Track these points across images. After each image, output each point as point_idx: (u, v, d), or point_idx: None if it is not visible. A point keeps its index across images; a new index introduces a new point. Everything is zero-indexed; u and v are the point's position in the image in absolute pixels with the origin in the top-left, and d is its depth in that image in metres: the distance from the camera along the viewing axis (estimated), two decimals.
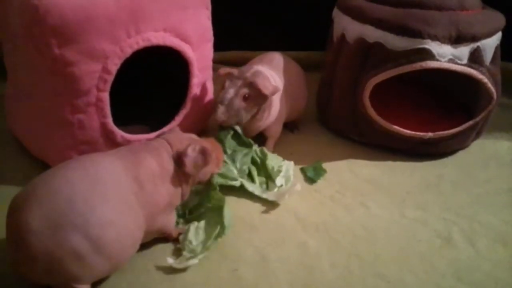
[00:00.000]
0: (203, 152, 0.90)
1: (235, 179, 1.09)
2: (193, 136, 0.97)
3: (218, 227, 0.93)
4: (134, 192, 0.81)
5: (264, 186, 1.12)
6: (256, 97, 1.11)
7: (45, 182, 0.77)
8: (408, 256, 0.95)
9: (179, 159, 0.88)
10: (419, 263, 0.93)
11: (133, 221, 0.80)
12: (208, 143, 0.97)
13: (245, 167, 1.12)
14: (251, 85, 1.09)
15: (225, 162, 1.09)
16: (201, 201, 1.01)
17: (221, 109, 1.08)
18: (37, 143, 1.11)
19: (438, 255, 0.95)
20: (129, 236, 0.79)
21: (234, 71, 1.13)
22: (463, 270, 0.92)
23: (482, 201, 1.12)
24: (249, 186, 1.09)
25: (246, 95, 1.10)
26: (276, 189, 1.10)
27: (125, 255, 0.80)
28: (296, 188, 1.08)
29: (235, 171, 1.10)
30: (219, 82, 1.17)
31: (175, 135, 0.93)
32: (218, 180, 1.04)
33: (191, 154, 0.88)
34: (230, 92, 1.09)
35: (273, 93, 1.12)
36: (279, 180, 1.11)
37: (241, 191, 1.09)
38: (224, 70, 1.14)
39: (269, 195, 1.08)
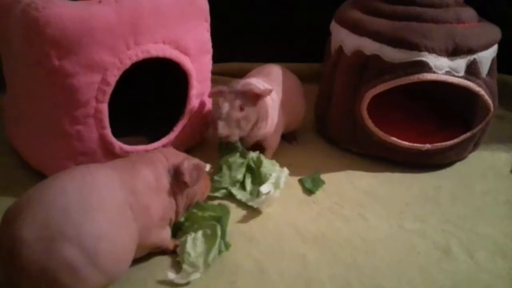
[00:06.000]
0: (197, 167, 0.92)
1: (224, 189, 1.12)
2: (186, 155, 0.98)
3: (218, 241, 0.92)
4: (129, 203, 0.81)
5: (255, 193, 1.12)
6: (252, 105, 1.11)
7: (40, 193, 0.76)
8: (407, 268, 0.95)
9: (177, 171, 0.89)
10: (418, 275, 0.93)
11: (127, 233, 0.80)
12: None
13: (240, 176, 1.13)
14: (244, 94, 1.10)
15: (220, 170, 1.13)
16: (194, 209, 1.00)
17: (221, 124, 1.08)
18: (35, 154, 1.11)
19: (437, 267, 0.95)
20: (123, 248, 0.79)
21: (224, 87, 1.14)
22: (462, 282, 0.92)
23: (481, 212, 1.12)
24: (238, 194, 1.11)
25: (242, 106, 1.10)
26: (263, 197, 1.09)
27: (119, 268, 0.79)
28: (274, 195, 1.08)
29: (228, 180, 1.12)
30: (214, 101, 1.18)
31: (170, 149, 0.95)
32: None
33: (188, 167, 0.90)
34: (226, 106, 1.10)
35: (267, 93, 1.12)
36: (265, 187, 1.11)
37: (232, 199, 1.10)
38: (214, 88, 1.15)
39: (253, 203, 1.08)
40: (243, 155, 1.16)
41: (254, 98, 1.11)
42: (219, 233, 0.93)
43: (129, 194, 0.81)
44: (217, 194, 1.11)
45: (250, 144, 1.20)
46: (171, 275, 0.87)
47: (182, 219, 0.98)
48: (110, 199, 0.78)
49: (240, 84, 1.13)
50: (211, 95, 1.17)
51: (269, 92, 1.13)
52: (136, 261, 0.88)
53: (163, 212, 0.88)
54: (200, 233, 0.95)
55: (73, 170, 0.82)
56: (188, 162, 0.90)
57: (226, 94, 1.12)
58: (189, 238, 0.94)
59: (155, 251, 0.92)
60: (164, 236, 0.91)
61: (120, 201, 0.80)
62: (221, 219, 0.96)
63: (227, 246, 0.93)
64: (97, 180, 0.79)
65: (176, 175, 0.89)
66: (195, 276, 0.87)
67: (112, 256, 0.76)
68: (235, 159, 1.15)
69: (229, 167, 1.13)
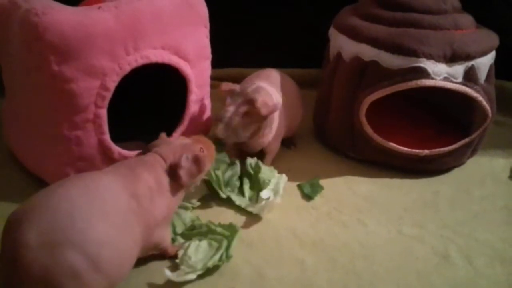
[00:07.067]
0: (197, 161, 0.92)
1: (220, 192, 1.11)
2: (183, 140, 0.98)
3: (222, 252, 0.93)
4: (132, 209, 0.82)
5: (254, 199, 1.12)
6: (256, 114, 1.11)
7: (44, 198, 0.76)
8: (405, 273, 0.95)
9: (174, 172, 0.89)
10: (416, 281, 0.93)
11: (130, 239, 0.80)
12: (200, 143, 0.98)
13: (235, 180, 1.14)
14: (251, 102, 1.10)
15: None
16: (199, 221, 1.02)
17: (220, 127, 1.10)
18: (34, 159, 1.11)
19: (435, 273, 0.95)
20: (126, 253, 0.79)
21: (236, 87, 1.13)
22: (460, 287, 0.92)
23: (479, 218, 1.12)
24: (236, 200, 1.10)
25: (246, 113, 1.10)
26: (263, 202, 1.09)
27: (122, 273, 0.80)
28: (275, 201, 1.08)
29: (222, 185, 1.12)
30: (220, 98, 1.17)
31: (167, 147, 0.93)
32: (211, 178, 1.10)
33: (185, 165, 0.90)
34: (230, 110, 1.10)
35: (272, 112, 1.11)
36: (265, 193, 1.10)
37: (231, 205, 1.10)
38: (226, 86, 1.14)
39: (253, 208, 1.08)
40: (232, 167, 1.16)
41: (259, 115, 1.10)
42: (224, 246, 0.94)
43: (131, 199, 0.82)
44: (219, 193, 1.11)
45: (255, 152, 1.20)
46: (168, 273, 0.87)
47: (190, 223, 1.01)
48: (113, 205, 0.79)
49: (252, 88, 1.13)
50: (222, 90, 1.15)
51: (275, 110, 1.12)
52: (135, 265, 0.88)
53: (167, 211, 0.89)
54: (205, 242, 0.95)
55: (76, 177, 0.82)
56: (185, 159, 0.90)
57: (235, 95, 1.12)
58: (193, 244, 0.95)
59: (155, 252, 0.92)
60: (166, 234, 0.92)
61: (123, 207, 0.80)
62: (228, 236, 0.96)
63: (228, 257, 0.93)
64: (100, 186, 0.80)
65: (174, 176, 0.90)
66: (192, 276, 0.87)
67: (115, 262, 0.76)
68: (227, 172, 1.14)
69: (220, 178, 1.13)
